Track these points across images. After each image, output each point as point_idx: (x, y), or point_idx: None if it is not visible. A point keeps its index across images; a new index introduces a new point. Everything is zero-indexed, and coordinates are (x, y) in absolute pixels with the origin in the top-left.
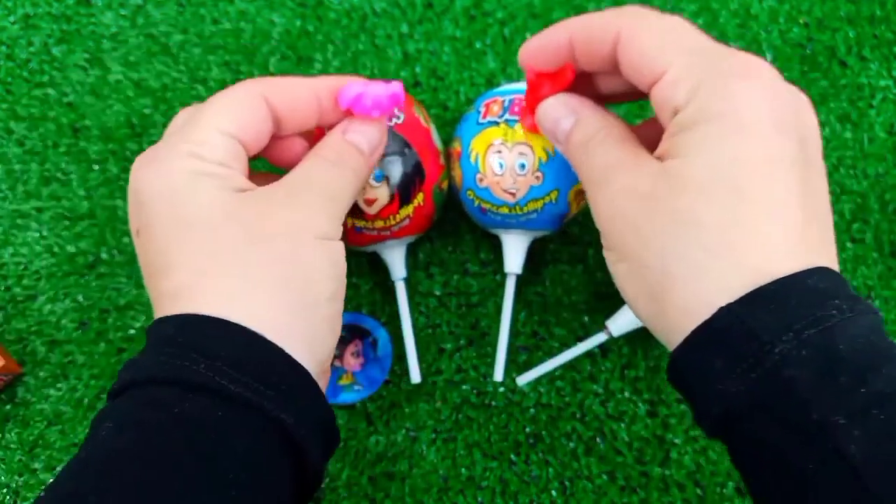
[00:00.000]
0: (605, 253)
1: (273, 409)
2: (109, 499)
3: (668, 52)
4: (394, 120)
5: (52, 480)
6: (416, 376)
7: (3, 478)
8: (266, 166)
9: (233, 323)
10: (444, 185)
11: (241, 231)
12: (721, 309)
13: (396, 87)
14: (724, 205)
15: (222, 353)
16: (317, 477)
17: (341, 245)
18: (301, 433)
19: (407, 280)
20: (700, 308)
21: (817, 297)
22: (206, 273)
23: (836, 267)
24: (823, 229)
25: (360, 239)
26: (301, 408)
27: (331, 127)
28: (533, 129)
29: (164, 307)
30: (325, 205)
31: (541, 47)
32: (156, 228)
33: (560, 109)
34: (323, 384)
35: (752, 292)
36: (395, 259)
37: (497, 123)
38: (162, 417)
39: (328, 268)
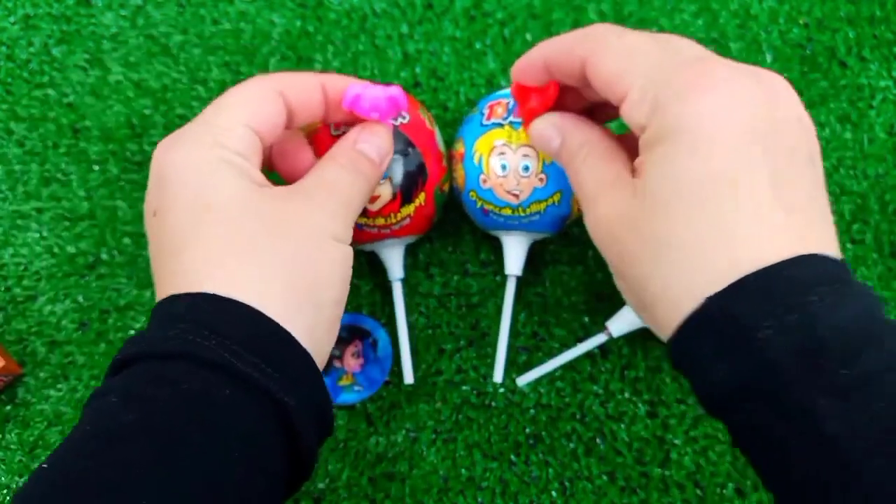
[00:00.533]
0: (610, 268)
1: (278, 391)
2: (112, 474)
3: (628, 74)
4: (399, 120)
5: (52, 454)
6: (408, 377)
7: (3, 478)
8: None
9: (244, 304)
10: (446, 187)
11: (259, 223)
12: (707, 299)
13: (395, 91)
14: (685, 224)
15: (233, 332)
16: (309, 463)
17: (351, 251)
18: (300, 418)
19: (404, 281)
20: (679, 319)
21: (800, 284)
22: (221, 259)
23: (832, 249)
24: (812, 216)
25: (359, 236)
26: (303, 393)
27: (338, 125)
28: None
29: (174, 286)
30: (340, 208)
31: (525, 69)
32: (175, 210)
33: (548, 129)
34: None
35: (735, 283)
36: (394, 259)
37: (501, 125)
38: (170, 393)
39: (338, 270)
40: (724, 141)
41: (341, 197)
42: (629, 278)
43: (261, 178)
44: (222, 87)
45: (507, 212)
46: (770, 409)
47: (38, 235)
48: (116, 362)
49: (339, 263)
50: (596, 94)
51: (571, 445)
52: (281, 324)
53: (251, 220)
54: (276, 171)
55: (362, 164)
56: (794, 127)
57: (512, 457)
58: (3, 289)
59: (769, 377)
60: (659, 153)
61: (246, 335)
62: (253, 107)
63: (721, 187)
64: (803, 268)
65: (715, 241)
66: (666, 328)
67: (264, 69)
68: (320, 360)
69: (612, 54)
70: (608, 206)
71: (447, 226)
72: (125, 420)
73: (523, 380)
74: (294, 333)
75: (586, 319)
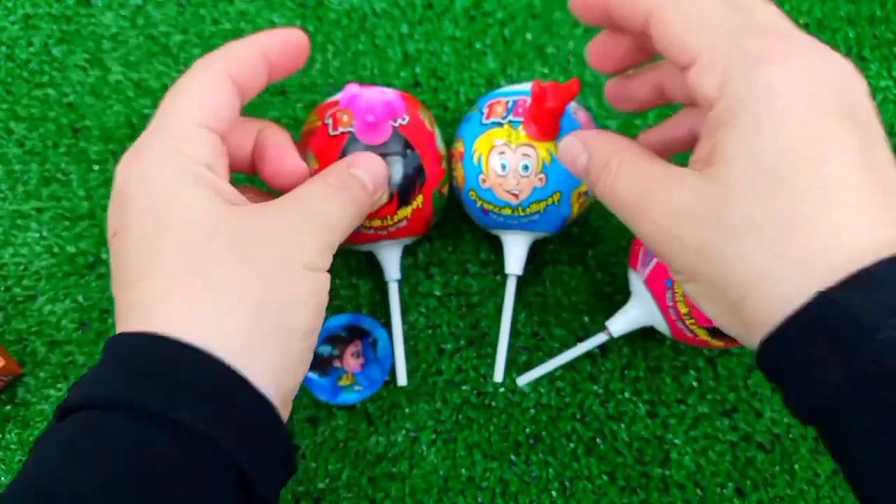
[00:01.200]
0: (674, 275)
1: (229, 447)
2: None
3: (697, 36)
4: (398, 121)
5: None
6: (402, 379)
7: (3, 478)
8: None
9: (196, 348)
10: (445, 189)
11: (223, 246)
12: (820, 294)
13: (392, 95)
14: (777, 203)
15: (181, 381)
16: None
17: (327, 277)
18: (255, 470)
19: (401, 282)
20: (780, 313)
21: None
22: (179, 287)
23: None
24: None
25: (354, 237)
26: (259, 444)
27: (336, 125)
28: (535, 137)
29: (129, 320)
30: (320, 232)
31: (585, 5)
32: (134, 232)
33: (575, 146)
34: (284, 416)
35: (850, 277)
36: (391, 260)
37: (501, 124)
38: (111, 450)
39: (310, 301)
40: (808, 114)
41: (323, 218)
42: (707, 277)
43: (231, 193)
44: None
45: (507, 211)
46: (888, 418)
47: (38, 235)
48: (60, 409)
49: (311, 292)
50: (654, 47)
51: (571, 445)
52: (239, 363)
53: (216, 243)
54: (257, 174)
55: (354, 188)
56: (869, 106)
57: (512, 457)
58: (3, 289)
59: (890, 384)
60: (736, 131)
61: (196, 384)
62: (206, 102)
63: (810, 163)
64: None
65: (810, 224)
66: (759, 327)
67: None
68: (287, 395)
69: (681, 13)
70: (667, 201)
71: (447, 225)
72: (64, 477)
73: (523, 380)
74: (253, 373)
75: (586, 319)
